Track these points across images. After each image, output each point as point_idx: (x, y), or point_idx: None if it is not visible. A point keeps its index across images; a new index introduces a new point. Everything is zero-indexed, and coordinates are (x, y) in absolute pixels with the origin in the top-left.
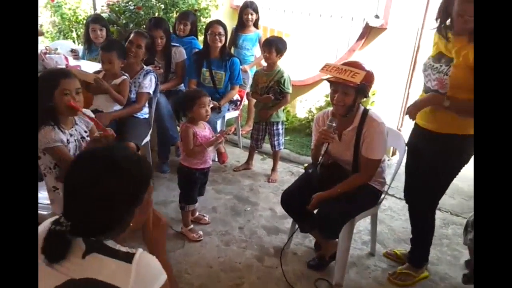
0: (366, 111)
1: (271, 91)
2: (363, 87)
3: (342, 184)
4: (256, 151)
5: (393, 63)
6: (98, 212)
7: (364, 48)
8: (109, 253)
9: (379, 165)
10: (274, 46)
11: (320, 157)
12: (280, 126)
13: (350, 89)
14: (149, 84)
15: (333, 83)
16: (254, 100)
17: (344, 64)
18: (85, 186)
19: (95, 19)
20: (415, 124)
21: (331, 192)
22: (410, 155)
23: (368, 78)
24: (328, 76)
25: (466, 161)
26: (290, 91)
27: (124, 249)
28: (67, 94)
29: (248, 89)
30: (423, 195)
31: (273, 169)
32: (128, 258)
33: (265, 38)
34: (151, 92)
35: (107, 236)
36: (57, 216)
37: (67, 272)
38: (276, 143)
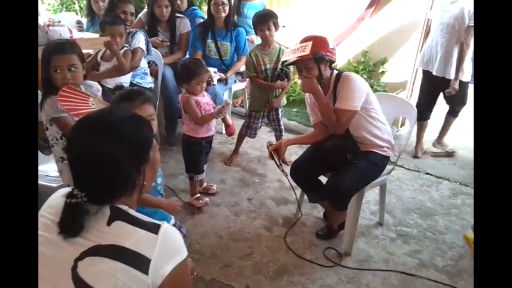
0: (339, 74)
1: (282, 75)
2: (320, 55)
3: (308, 135)
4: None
5: (403, 31)
6: (105, 177)
7: (373, 16)
8: (134, 222)
9: (353, 116)
10: (271, 20)
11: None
12: (282, 109)
13: (308, 62)
14: (137, 40)
15: (293, 64)
16: None
17: (300, 42)
18: (87, 154)
19: None
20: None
21: (298, 139)
22: None
23: (320, 45)
24: (286, 58)
25: None
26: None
27: (148, 219)
28: (58, 70)
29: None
30: None
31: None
32: (154, 229)
33: (256, 15)
34: (144, 49)
35: (125, 199)
36: (68, 189)
37: (93, 239)
38: (282, 128)
